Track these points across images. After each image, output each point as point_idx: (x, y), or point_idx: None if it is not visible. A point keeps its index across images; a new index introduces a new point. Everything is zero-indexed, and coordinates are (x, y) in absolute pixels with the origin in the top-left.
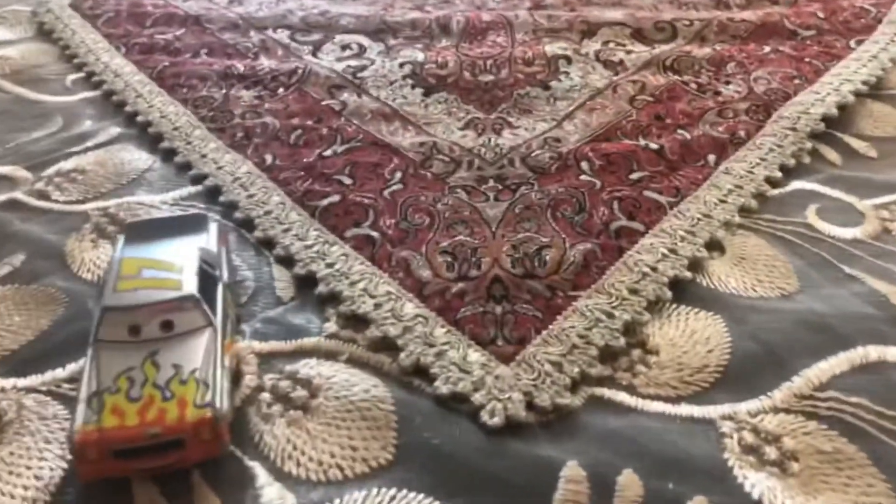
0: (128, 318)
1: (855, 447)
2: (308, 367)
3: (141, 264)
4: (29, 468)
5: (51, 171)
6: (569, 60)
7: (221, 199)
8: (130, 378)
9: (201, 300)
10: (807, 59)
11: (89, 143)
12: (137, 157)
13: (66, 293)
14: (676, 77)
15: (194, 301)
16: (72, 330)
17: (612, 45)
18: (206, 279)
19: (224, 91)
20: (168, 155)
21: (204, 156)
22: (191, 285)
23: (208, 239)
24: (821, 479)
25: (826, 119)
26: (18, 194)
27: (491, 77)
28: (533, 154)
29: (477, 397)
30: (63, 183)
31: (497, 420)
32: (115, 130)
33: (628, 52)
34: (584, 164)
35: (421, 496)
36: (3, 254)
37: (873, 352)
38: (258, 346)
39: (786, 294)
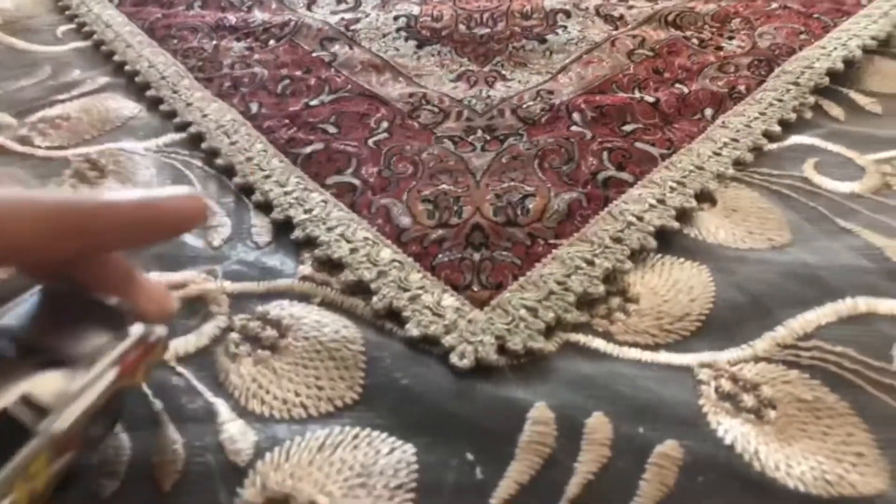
0: None
1: (836, 396)
2: (279, 308)
3: None
4: None
5: (35, 117)
6: (567, 14)
7: (204, 145)
8: None
9: None
10: (815, 16)
11: (75, 92)
12: (123, 106)
13: None
14: (678, 32)
15: None
16: None
17: (613, 0)
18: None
19: (214, 42)
20: (154, 103)
21: (189, 104)
22: None
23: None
24: (798, 427)
25: (831, 74)
26: (2, 139)
27: (487, 30)
28: (524, 105)
29: (448, 339)
30: (46, 129)
31: (466, 362)
32: (102, 80)
33: (629, 7)
34: (576, 116)
35: (384, 435)
36: None
37: (863, 303)
38: (230, 286)
39: (776, 246)
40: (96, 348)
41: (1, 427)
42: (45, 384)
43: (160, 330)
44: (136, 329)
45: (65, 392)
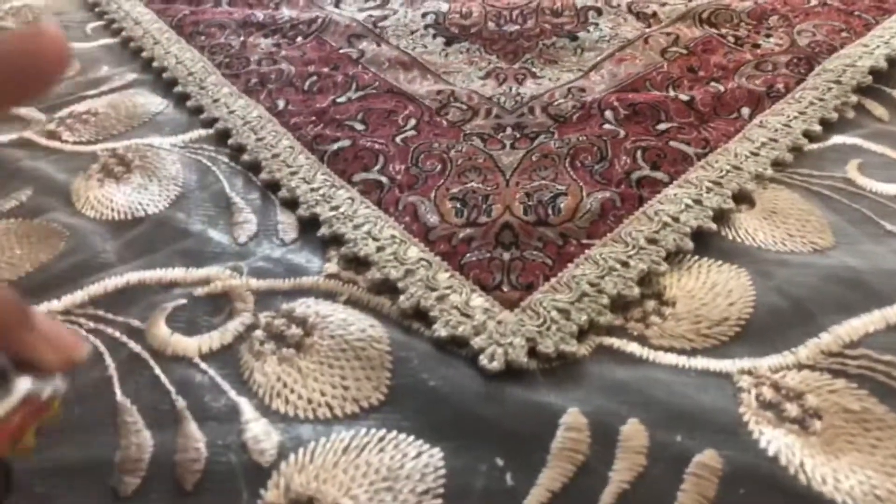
0: None
1: (886, 407)
2: (305, 306)
3: None
4: None
5: (63, 112)
6: (599, 12)
7: (230, 141)
8: None
9: None
10: (856, 13)
11: (104, 88)
12: (150, 101)
13: (68, 228)
14: (713, 30)
15: None
16: (70, 263)
17: None
18: None
19: (242, 39)
20: (181, 99)
21: (216, 100)
22: None
23: None
24: (846, 439)
25: (875, 73)
26: (30, 133)
27: (516, 27)
28: (555, 103)
29: (477, 341)
30: (75, 124)
31: (496, 364)
32: (130, 76)
33: (662, 5)
34: (609, 114)
35: (411, 437)
36: (11, 189)
37: None
38: (255, 283)
39: (818, 249)
40: None
41: None
42: None
43: (57, 382)
44: (22, 385)
45: None
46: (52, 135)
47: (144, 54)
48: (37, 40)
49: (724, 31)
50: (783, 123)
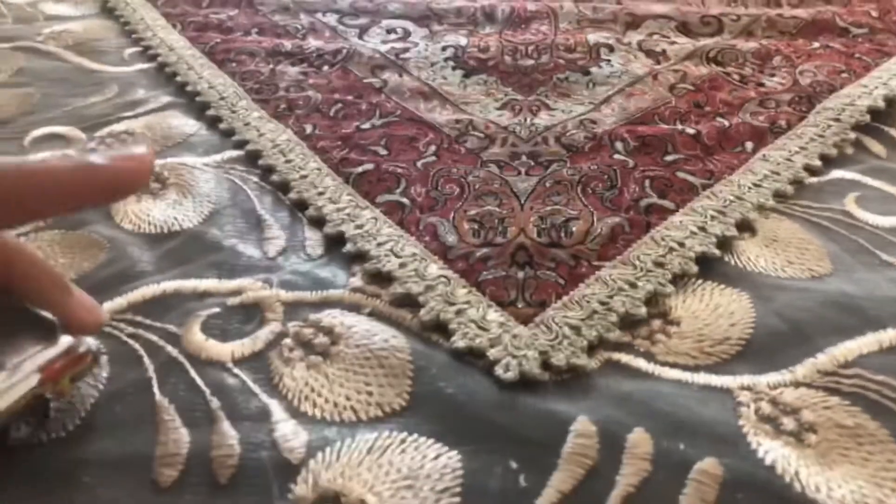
0: None
1: (877, 423)
2: (331, 317)
3: None
4: None
5: (102, 132)
6: (611, 49)
7: (260, 162)
8: None
9: None
10: (857, 56)
11: (140, 110)
12: (184, 123)
13: (108, 240)
14: (719, 68)
15: None
16: (110, 272)
17: (655, 36)
18: None
19: (271, 66)
20: (213, 122)
21: (247, 123)
22: None
23: None
24: (839, 452)
25: (873, 112)
26: (71, 152)
27: (532, 62)
28: (568, 133)
29: (493, 352)
30: (113, 143)
31: (511, 375)
32: (165, 99)
33: (672, 44)
34: (619, 145)
35: (431, 441)
36: None
37: None
38: (284, 294)
39: (817, 276)
40: (23, 354)
41: None
42: None
43: (90, 342)
44: (65, 340)
45: None
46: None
47: (179, 79)
48: (124, 172)
49: (729, 69)
50: (785, 157)
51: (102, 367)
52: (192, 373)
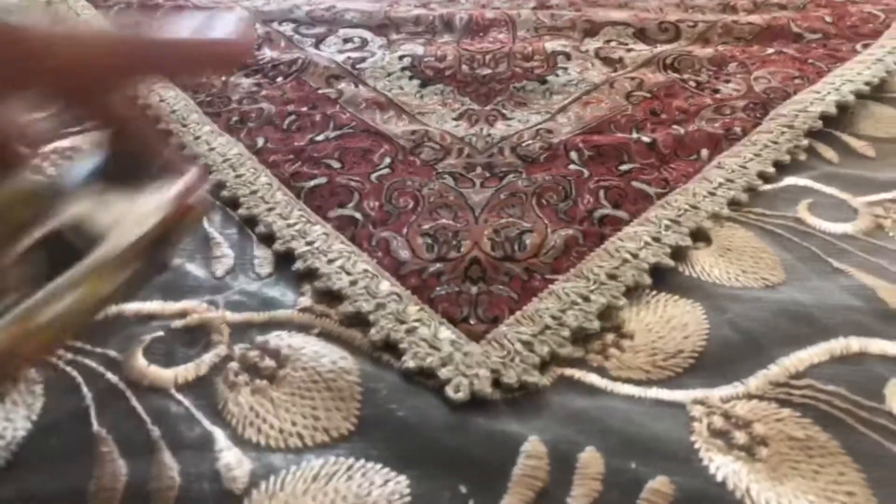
0: None
1: (828, 435)
2: (279, 339)
3: None
4: None
5: (47, 148)
6: (568, 57)
7: (210, 177)
8: None
9: None
10: (810, 61)
11: (86, 125)
12: None
13: None
14: (676, 75)
15: None
16: None
17: (613, 43)
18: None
19: (223, 78)
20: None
21: (198, 137)
22: None
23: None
24: (790, 465)
25: (825, 118)
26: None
27: (489, 71)
28: (523, 144)
29: (444, 372)
30: (52, 158)
31: (461, 395)
32: None
33: (629, 51)
34: (574, 155)
35: (378, 466)
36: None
37: (855, 343)
38: (231, 316)
39: (770, 285)
40: (153, 187)
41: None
42: (104, 210)
43: (202, 194)
44: (181, 184)
45: (122, 218)
46: (34, 169)
47: None
48: (234, 49)
49: (686, 76)
50: (739, 165)
51: (37, 397)
52: (133, 400)
